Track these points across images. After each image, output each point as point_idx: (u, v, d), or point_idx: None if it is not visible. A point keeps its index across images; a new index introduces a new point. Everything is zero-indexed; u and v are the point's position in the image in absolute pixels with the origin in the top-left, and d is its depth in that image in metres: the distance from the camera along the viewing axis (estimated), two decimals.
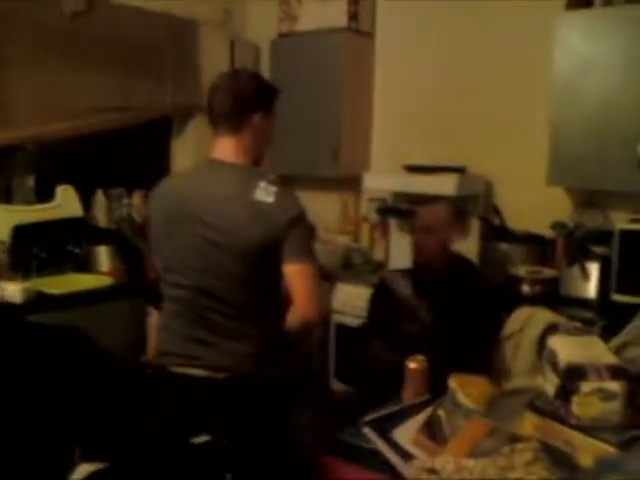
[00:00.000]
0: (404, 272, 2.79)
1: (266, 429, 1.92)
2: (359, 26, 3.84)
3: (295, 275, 1.89)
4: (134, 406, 2.24)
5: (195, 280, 1.90)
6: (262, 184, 1.87)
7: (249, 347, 1.90)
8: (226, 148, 1.97)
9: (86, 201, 3.46)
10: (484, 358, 2.45)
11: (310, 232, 2.23)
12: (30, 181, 3.36)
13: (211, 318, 1.90)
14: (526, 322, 2.60)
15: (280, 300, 1.97)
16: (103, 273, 3.31)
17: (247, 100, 1.97)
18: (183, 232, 1.91)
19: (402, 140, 3.82)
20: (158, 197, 2.06)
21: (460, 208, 3.14)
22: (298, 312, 1.90)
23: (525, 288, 3.02)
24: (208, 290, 1.89)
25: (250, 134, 1.98)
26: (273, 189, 1.87)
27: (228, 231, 1.86)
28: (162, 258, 2.00)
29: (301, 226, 1.90)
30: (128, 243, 3.46)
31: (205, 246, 1.88)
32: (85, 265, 3.33)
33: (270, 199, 1.85)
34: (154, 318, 3.05)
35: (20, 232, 3.07)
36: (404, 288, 2.68)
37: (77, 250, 3.31)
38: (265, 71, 4.19)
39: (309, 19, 3.93)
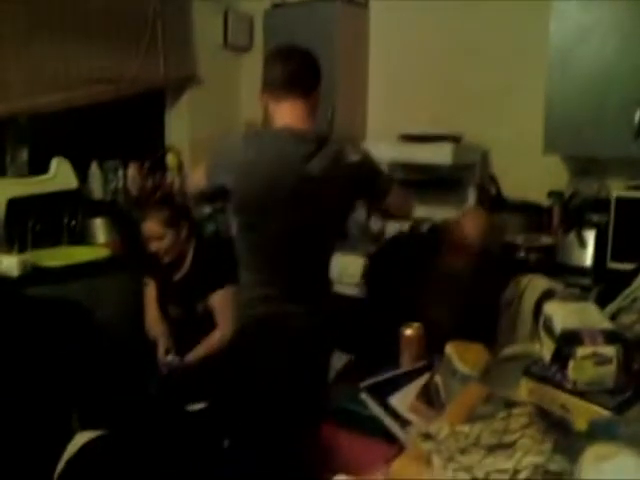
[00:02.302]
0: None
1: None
2: None
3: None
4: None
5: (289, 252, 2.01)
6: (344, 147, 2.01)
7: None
8: (299, 112, 2.02)
9: (81, 173, 3.45)
10: (484, 325, 2.46)
11: None
12: (24, 154, 3.35)
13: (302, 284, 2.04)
14: (524, 290, 2.60)
15: None
16: (99, 245, 3.31)
17: (316, 68, 2.08)
18: (284, 211, 1.96)
19: (398, 110, 3.79)
20: (244, 167, 2.00)
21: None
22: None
23: (522, 256, 3.02)
24: (301, 257, 2.02)
25: (315, 99, 2.08)
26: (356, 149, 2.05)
27: (330, 200, 1.99)
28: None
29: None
30: (124, 215, 3.45)
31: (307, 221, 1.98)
32: (81, 238, 3.33)
33: (357, 157, 2.01)
34: (151, 289, 3.06)
35: (15, 205, 3.06)
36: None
37: (73, 223, 3.30)
38: (259, 42, 4.15)
39: None
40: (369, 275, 2.87)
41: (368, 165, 2.05)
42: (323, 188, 1.94)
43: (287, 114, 2.01)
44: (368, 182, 2.06)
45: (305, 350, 1.99)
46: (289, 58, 2.04)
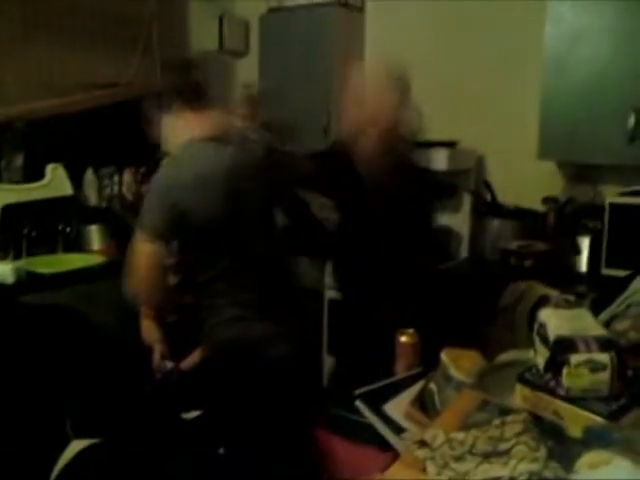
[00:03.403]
0: None
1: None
2: (349, 1, 3.80)
3: None
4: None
5: None
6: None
7: None
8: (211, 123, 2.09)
9: (76, 180, 3.44)
10: (477, 331, 2.46)
11: None
12: (19, 160, 3.34)
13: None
14: (520, 296, 2.60)
15: None
16: (94, 252, 3.30)
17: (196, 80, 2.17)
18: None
19: None
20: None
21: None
22: None
23: (517, 262, 3.03)
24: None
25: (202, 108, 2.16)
26: None
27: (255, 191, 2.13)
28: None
29: None
30: (119, 221, 3.44)
31: None
32: (76, 244, 3.32)
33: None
34: None
35: (9, 212, 3.06)
36: None
37: (68, 229, 3.29)
38: (254, 46, 4.16)
39: None
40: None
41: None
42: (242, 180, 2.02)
43: (205, 123, 2.09)
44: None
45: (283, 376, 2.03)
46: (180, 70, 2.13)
